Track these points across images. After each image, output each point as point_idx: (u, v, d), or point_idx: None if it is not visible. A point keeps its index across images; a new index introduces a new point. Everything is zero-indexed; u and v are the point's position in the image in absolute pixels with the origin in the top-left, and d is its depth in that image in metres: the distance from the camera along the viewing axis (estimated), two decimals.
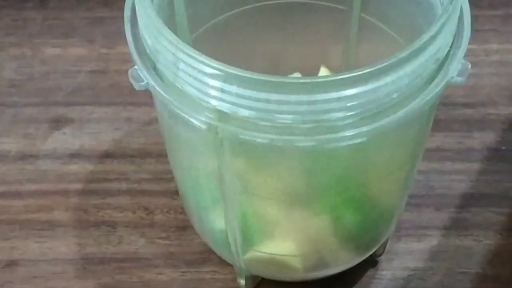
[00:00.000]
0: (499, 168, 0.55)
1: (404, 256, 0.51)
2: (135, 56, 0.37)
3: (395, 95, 0.34)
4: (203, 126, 0.35)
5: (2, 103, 0.60)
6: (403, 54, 0.34)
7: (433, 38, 0.35)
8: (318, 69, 0.50)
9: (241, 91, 0.34)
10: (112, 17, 0.66)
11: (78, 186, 0.55)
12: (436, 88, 0.36)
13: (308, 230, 0.43)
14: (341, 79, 0.33)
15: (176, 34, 0.35)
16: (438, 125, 0.57)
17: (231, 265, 0.48)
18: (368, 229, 0.45)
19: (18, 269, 0.50)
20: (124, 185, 0.55)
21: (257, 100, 0.34)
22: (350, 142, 0.35)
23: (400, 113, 0.35)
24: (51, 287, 0.50)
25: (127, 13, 0.39)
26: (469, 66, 0.37)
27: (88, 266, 0.51)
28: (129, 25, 0.38)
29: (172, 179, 0.50)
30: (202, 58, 0.34)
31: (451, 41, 0.37)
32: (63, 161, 0.56)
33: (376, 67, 0.33)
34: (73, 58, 0.63)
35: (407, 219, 0.52)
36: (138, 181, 0.55)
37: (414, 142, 0.41)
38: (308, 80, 0.34)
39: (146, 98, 0.55)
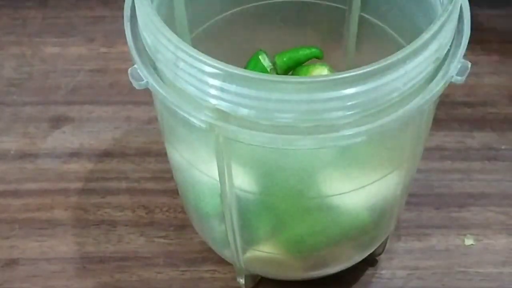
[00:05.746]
0: (499, 168, 0.55)
1: (404, 255, 0.51)
2: (134, 55, 0.37)
3: (394, 94, 0.34)
4: (203, 125, 0.35)
5: (1, 102, 0.60)
6: (403, 54, 0.34)
7: (433, 37, 0.35)
8: None
9: (241, 90, 0.34)
10: (112, 16, 0.66)
11: (77, 185, 0.55)
12: (436, 87, 0.36)
13: (307, 229, 0.43)
14: (341, 78, 0.33)
15: (175, 33, 0.35)
16: (438, 124, 0.57)
17: (231, 264, 0.48)
18: (368, 228, 0.45)
19: (17, 268, 0.50)
20: (123, 184, 0.55)
21: (257, 99, 0.34)
22: (350, 141, 0.35)
23: (400, 112, 0.35)
24: (50, 286, 0.50)
25: (126, 12, 0.39)
26: (469, 65, 0.37)
27: (88, 265, 0.51)
28: (128, 24, 0.38)
29: (171, 178, 0.50)
30: (202, 57, 0.34)
31: (451, 40, 0.37)
32: (63, 160, 0.56)
33: (376, 67, 0.33)
34: (73, 57, 0.63)
35: (407, 218, 0.52)
36: (138, 180, 0.55)
37: (414, 141, 0.41)
38: (307, 80, 0.34)
39: (145, 97, 0.55)
